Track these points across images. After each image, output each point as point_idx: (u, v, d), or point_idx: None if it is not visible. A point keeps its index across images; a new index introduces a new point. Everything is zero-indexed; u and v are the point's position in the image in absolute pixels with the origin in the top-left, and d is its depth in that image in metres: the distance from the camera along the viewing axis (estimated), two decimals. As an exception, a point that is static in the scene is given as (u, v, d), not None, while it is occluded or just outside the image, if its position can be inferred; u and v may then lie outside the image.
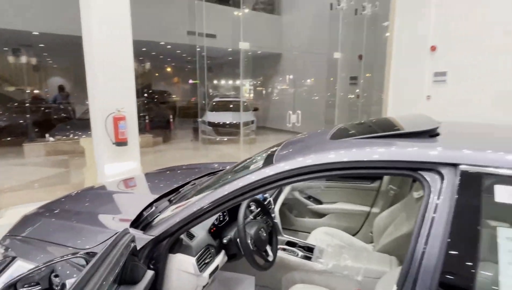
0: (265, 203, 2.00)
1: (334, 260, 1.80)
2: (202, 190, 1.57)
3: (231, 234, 1.61)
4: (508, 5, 5.94)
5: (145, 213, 1.71)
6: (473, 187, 0.95)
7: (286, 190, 2.63)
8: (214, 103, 10.04)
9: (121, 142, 3.88)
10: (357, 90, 9.66)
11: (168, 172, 2.72)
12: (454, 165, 0.99)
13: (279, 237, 2.10)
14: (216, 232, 1.66)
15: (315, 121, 8.72)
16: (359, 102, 9.51)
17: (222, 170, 2.40)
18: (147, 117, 9.19)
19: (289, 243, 2.05)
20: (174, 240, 1.36)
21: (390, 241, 1.91)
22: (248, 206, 1.93)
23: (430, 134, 1.19)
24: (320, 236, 2.25)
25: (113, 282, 0.96)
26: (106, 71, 3.79)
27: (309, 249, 1.99)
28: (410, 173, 1.06)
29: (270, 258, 1.64)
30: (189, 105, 14.07)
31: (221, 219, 1.77)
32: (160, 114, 10.45)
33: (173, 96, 15.01)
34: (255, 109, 10.11)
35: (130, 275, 1.03)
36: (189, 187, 2.07)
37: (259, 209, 1.88)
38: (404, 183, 2.33)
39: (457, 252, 0.92)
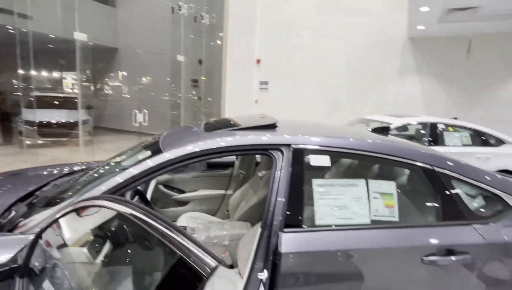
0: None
1: (205, 233, 2.18)
2: (82, 186, 1.60)
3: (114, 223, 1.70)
4: (317, 31, 8.05)
5: (3, 220, 1.55)
6: (299, 158, 1.54)
7: (152, 185, 2.79)
8: (32, 99, 8.32)
9: None
10: (194, 92, 10.37)
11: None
12: (289, 145, 1.56)
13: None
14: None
15: (161, 121, 8.78)
16: (201, 103, 10.26)
17: (84, 169, 2.33)
18: None
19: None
20: (62, 234, 1.36)
21: (244, 212, 2.46)
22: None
23: (272, 126, 1.75)
24: (188, 219, 2.56)
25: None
26: None
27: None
28: (264, 152, 1.57)
29: (154, 239, 1.83)
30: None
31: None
32: None
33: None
34: (89, 107, 9.07)
35: None
36: (50, 187, 1.94)
37: (136, 197, 2.02)
38: (250, 168, 2.97)
39: (293, 201, 1.47)
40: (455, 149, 4.76)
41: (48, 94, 8.82)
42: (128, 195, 1.71)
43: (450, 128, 4.94)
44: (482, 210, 1.66)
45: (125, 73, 11.78)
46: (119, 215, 1.14)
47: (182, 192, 3.01)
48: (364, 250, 1.42)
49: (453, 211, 1.56)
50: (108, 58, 11.63)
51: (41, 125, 7.38)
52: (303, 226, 1.44)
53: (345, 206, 1.50)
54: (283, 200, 1.46)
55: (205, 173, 3.05)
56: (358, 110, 7.54)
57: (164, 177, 2.92)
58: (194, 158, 1.48)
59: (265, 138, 1.59)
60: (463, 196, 1.66)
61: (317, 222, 1.46)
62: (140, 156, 1.60)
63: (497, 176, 1.73)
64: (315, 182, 1.52)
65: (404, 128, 5.25)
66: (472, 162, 4.96)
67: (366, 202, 1.52)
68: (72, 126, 7.66)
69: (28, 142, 7.21)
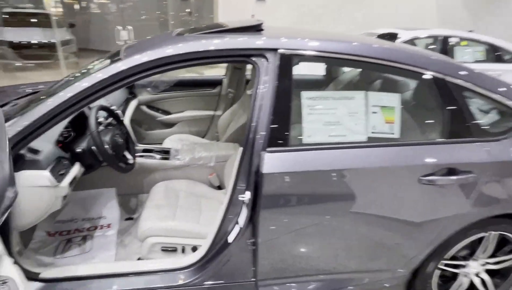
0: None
1: (190, 155, 2.05)
2: (34, 103, 1.38)
3: (83, 145, 1.54)
4: None
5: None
6: (287, 66, 1.28)
7: (133, 105, 2.58)
8: (7, 16, 7.53)
9: None
10: (188, 10, 9.39)
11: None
12: (275, 50, 1.29)
13: (135, 147, 2.14)
14: (65, 147, 1.54)
15: (148, 39, 8.08)
16: (192, 20, 9.37)
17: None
18: None
19: (146, 151, 2.13)
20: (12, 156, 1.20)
21: (233, 133, 2.31)
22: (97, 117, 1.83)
23: (256, 29, 1.44)
24: (174, 140, 2.43)
25: None
26: None
27: (165, 152, 2.15)
28: (245, 59, 1.31)
29: (130, 161, 1.70)
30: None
31: (66, 134, 1.62)
32: None
33: None
34: (71, 26, 8.30)
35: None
36: (9, 108, 1.73)
37: (109, 119, 1.83)
38: (239, 85, 2.71)
39: (278, 117, 1.27)
40: (465, 65, 4.40)
41: (17, 11, 7.93)
42: (93, 113, 1.51)
43: (463, 42, 4.48)
44: (494, 125, 1.47)
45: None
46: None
47: (168, 113, 2.82)
48: (356, 170, 1.28)
49: (460, 127, 1.37)
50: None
51: (20, 46, 6.81)
52: (289, 145, 1.27)
53: (338, 122, 1.31)
54: (267, 116, 1.25)
55: (192, 92, 2.81)
56: (362, 24, 6.86)
57: (146, 97, 2.70)
58: (154, 68, 1.23)
59: (245, 41, 1.31)
60: (474, 111, 1.45)
61: (305, 140, 1.29)
62: (98, 68, 1.34)
63: (517, 87, 1.49)
64: (305, 94, 1.30)
65: (412, 42, 4.79)
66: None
67: (363, 117, 1.32)
68: (55, 46, 7.08)
69: (11, 63, 6.76)
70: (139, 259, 1.67)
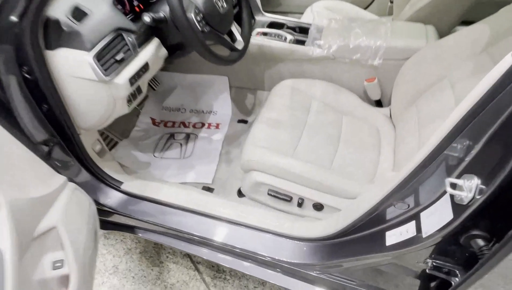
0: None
1: (340, 41, 1.19)
2: None
3: (164, 9, 0.91)
4: None
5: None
6: None
7: None
8: None
9: None
10: None
11: None
12: None
13: (259, 18, 1.42)
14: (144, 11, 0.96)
15: None
16: None
17: None
18: None
19: (273, 25, 1.39)
20: (42, 21, 0.69)
21: (425, 6, 1.24)
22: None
23: None
24: (319, 12, 1.55)
25: None
26: None
27: (303, 31, 1.35)
28: None
29: (238, 45, 1.03)
30: None
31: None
32: None
33: None
34: None
35: None
36: None
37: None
38: None
39: None
40: None
41: None
42: None
43: None
44: None
45: None
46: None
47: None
48: None
49: None
50: None
51: None
52: None
53: None
54: None
55: None
56: None
57: None
58: None
59: None
60: None
61: None
62: None
63: None
64: None
65: None
66: None
67: None
68: None
69: None
70: (239, 191, 1.20)
